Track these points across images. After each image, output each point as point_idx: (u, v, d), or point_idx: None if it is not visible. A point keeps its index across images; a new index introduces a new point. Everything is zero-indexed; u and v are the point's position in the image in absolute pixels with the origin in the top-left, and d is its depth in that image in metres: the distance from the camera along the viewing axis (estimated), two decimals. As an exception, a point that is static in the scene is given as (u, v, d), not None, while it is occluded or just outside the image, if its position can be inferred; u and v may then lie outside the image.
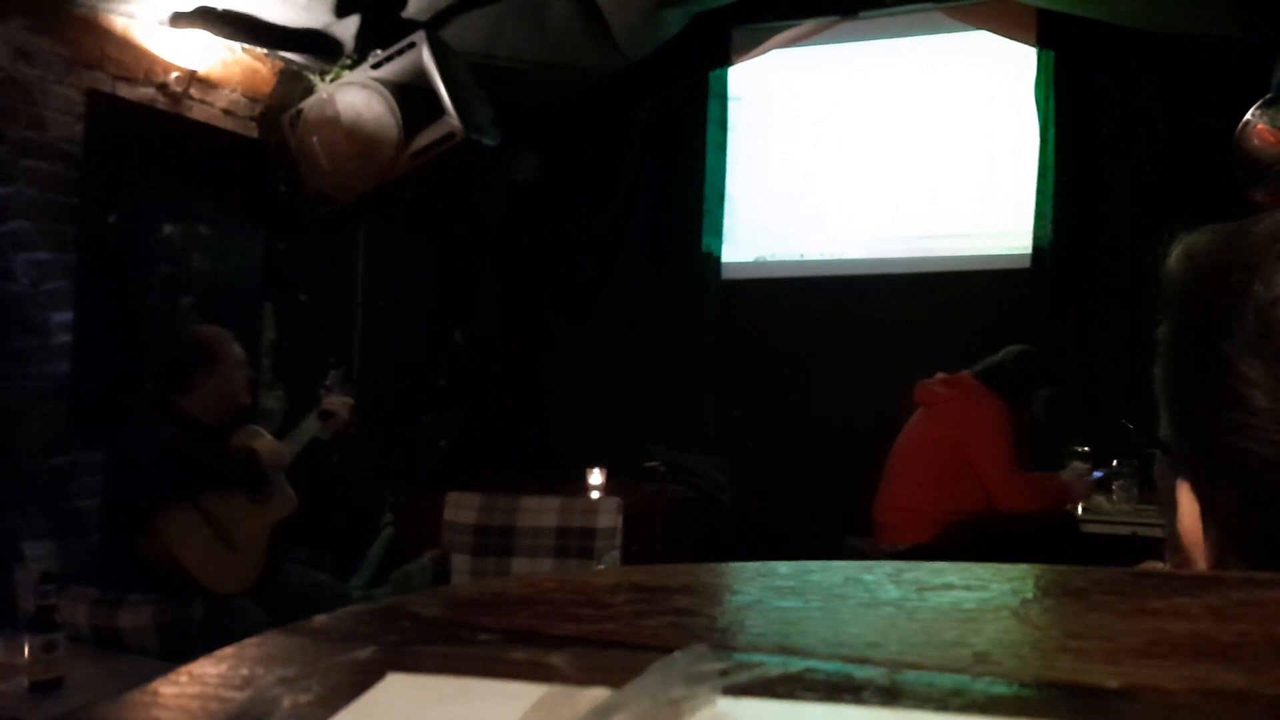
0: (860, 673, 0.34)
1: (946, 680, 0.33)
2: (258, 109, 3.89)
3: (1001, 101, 4.39)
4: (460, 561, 3.20)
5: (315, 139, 3.49)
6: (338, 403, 3.15)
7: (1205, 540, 0.55)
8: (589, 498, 3.66)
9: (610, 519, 3.16)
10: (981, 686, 0.32)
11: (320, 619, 0.43)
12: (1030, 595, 0.46)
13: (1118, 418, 3.66)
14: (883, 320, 4.37)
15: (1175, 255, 0.56)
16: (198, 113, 3.63)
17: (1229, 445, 0.51)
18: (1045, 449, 3.45)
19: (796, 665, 0.35)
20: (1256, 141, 3.12)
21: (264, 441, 2.89)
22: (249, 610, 2.70)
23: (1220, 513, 0.54)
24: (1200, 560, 0.56)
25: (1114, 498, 3.31)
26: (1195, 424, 0.55)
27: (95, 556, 2.85)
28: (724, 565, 0.52)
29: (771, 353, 4.60)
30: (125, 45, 3.32)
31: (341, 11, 3.47)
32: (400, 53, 3.40)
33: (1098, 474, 3.33)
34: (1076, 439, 3.47)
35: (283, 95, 3.89)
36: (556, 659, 0.37)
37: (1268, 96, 3.14)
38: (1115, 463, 3.32)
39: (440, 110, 3.36)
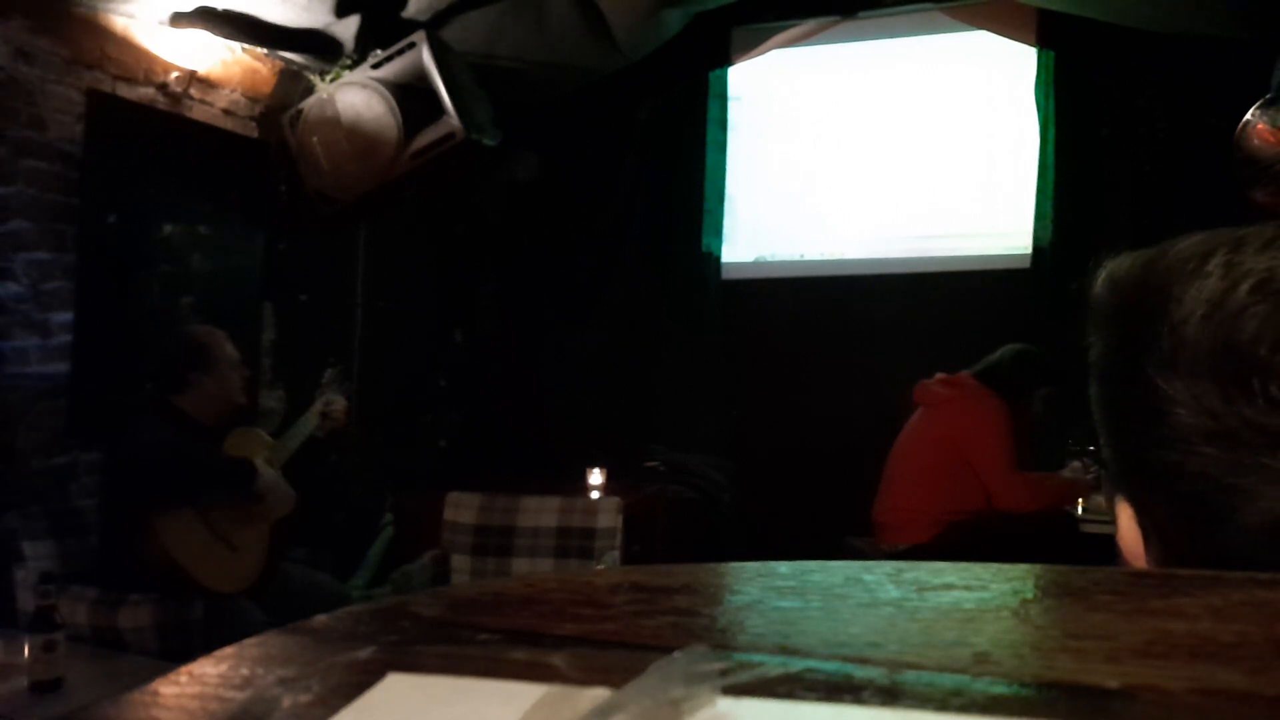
0: (860, 673, 0.34)
1: (946, 680, 0.33)
2: (258, 109, 3.89)
3: (1001, 101, 4.39)
4: (460, 561, 3.20)
5: (315, 139, 3.49)
6: (333, 401, 3.15)
7: (1146, 554, 0.57)
8: (589, 498, 3.66)
9: (610, 519, 3.16)
10: (981, 686, 0.32)
11: (320, 619, 0.43)
12: (1030, 595, 0.46)
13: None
14: (883, 320, 4.37)
15: (1100, 280, 0.58)
16: (198, 113, 3.63)
17: (1158, 459, 0.53)
18: (1045, 449, 3.45)
19: (796, 665, 0.35)
20: (1256, 141, 3.12)
21: (268, 475, 2.86)
22: (249, 610, 2.70)
23: (1157, 526, 0.56)
24: None
25: (1114, 498, 3.30)
26: (1126, 441, 0.57)
27: (95, 556, 2.84)
28: (724, 565, 0.51)
29: (771, 353, 4.60)
30: (125, 45, 3.32)
31: (341, 11, 3.47)
32: (400, 53, 3.40)
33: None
34: (1076, 439, 3.47)
35: (283, 95, 3.89)
36: (556, 659, 0.37)
37: (1268, 96, 3.14)
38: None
39: (440, 110, 3.36)
